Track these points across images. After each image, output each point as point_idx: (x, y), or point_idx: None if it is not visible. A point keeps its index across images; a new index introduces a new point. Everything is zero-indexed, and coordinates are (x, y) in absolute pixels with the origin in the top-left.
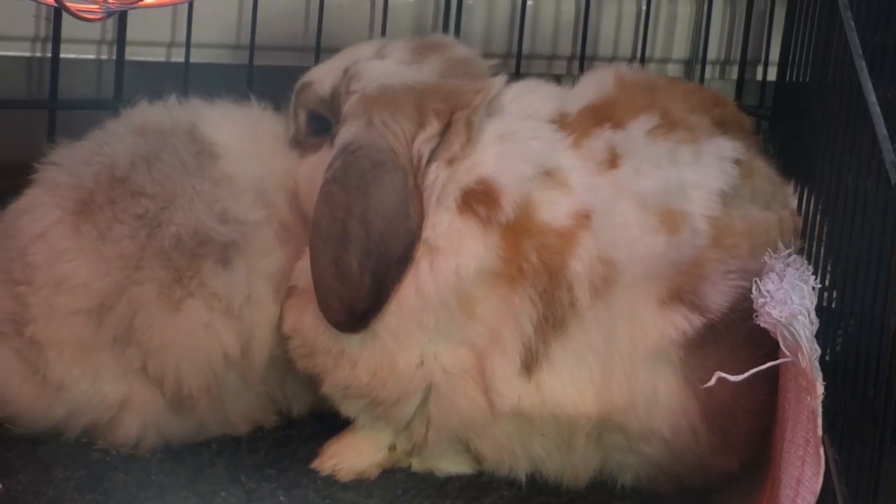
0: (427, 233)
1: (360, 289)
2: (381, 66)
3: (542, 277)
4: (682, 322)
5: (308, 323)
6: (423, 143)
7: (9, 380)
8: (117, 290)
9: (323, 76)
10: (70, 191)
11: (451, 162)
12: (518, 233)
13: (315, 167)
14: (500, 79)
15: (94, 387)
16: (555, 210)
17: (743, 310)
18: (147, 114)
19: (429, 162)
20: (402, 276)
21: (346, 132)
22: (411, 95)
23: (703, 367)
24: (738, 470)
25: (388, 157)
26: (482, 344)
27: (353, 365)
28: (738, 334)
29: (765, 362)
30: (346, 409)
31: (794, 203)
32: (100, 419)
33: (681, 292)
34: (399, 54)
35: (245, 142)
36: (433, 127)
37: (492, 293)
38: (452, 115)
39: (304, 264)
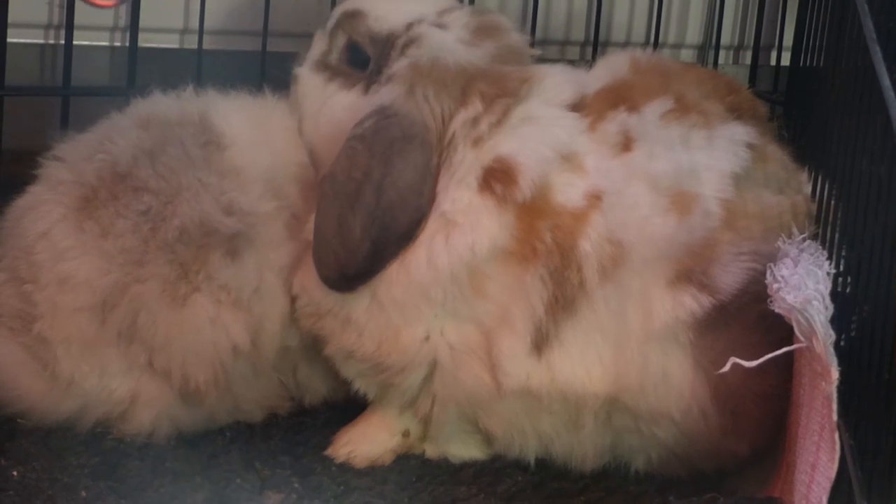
0: (445, 206)
1: (356, 252)
2: (441, 38)
3: (555, 258)
4: (691, 302)
5: (315, 280)
6: (462, 122)
7: (20, 375)
8: (120, 287)
9: (382, 14)
10: (72, 188)
11: (477, 142)
12: (533, 213)
13: (344, 109)
14: (543, 68)
15: (102, 382)
16: (570, 192)
17: (754, 292)
18: (154, 105)
19: (459, 141)
20: (401, 250)
21: (387, 94)
22: (461, 76)
23: (714, 349)
24: (750, 455)
25: (420, 131)
26: (490, 322)
27: (359, 333)
28: (750, 317)
29: (777, 346)
30: (346, 371)
31: (808, 189)
32: (111, 412)
33: (690, 273)
34: (460, 31)
35: (255, 132)
36: (475, 108)
37: (503, 272)
38: (496, 99)
39: None
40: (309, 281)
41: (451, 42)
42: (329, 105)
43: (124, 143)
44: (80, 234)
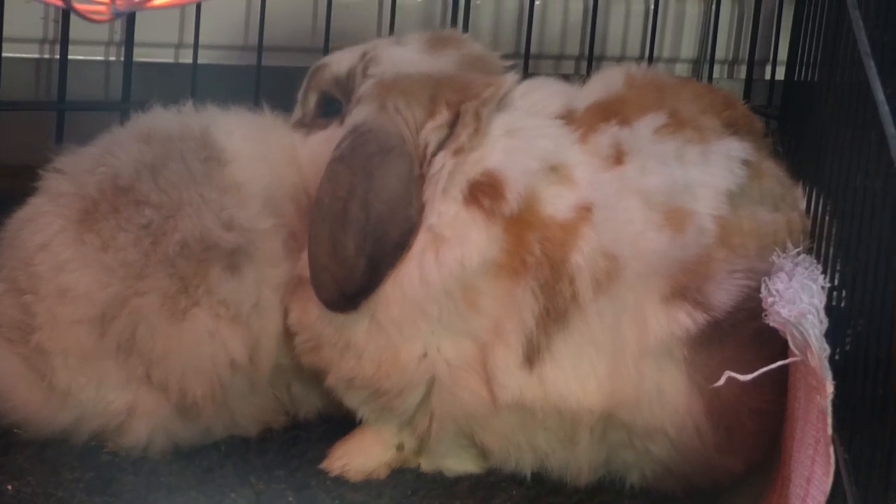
0: (432, 220)
1: (353, 270)
2: (400, 52)
3: (545, 270)
4: (686, 319)
5: (313, 315)
6: (431, 131)
7: (17, 386)
8: (119, 300)
9: (340, 59)
10: (73, 200)
11: (457, 152)
12: (522, 226)
13: (322, 143)
14: (513, 76)
15: (100, 394)
16: (559, 204)
17: (749, 309)
18: (155, 120)
19: (436, 151)
20: (397, 261)
21: (359, 113)
22: (427, 84)
23: (709, 365)
24: (745, 470)
25: (397, 143)
26: (485, 336)
27: (358, 357)
28: (745, 334)
29: (771, 363)
30: (349, 400)
31: (803, 205)
32: (107, 425)
33: (685, 289)
34: (416, 44)
35: (256, 149)
36: (442, 116)
37: (495, 285)
38: (460, 105)
39: None
40: (305, 315)
41: (410, 53)
42: (309, 143)
43: (126, 157)
44: (80, 246)
